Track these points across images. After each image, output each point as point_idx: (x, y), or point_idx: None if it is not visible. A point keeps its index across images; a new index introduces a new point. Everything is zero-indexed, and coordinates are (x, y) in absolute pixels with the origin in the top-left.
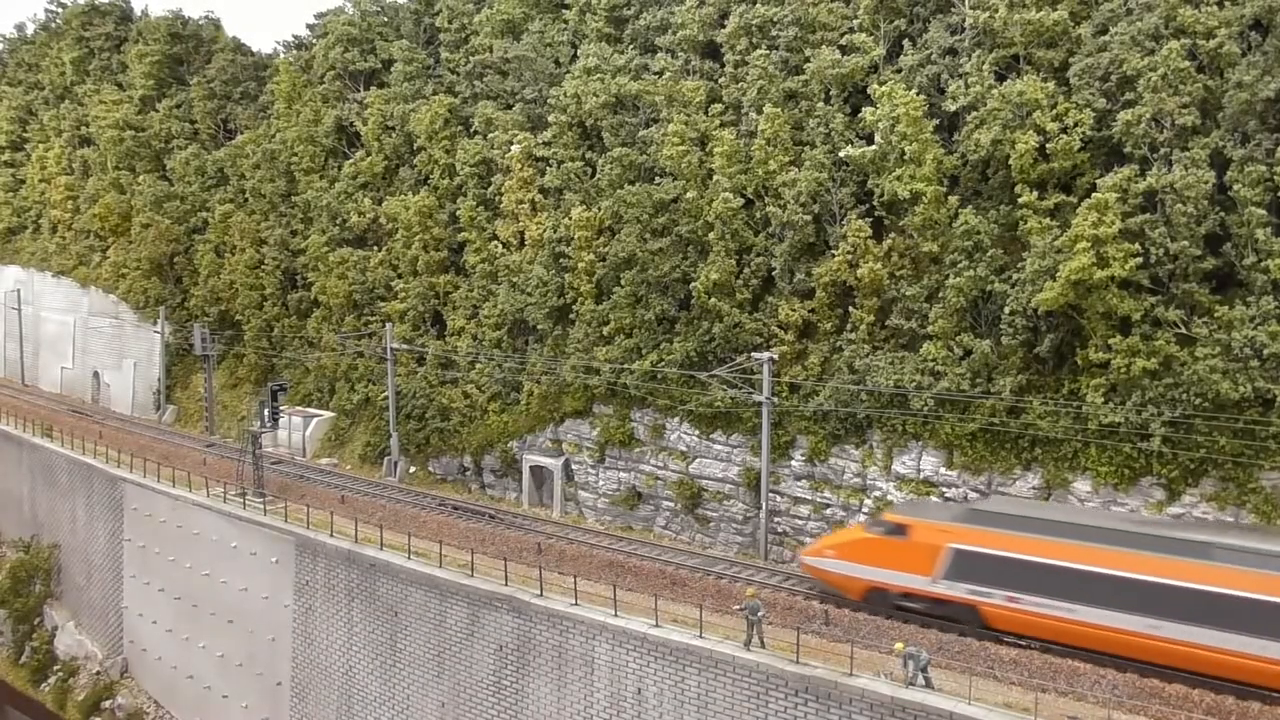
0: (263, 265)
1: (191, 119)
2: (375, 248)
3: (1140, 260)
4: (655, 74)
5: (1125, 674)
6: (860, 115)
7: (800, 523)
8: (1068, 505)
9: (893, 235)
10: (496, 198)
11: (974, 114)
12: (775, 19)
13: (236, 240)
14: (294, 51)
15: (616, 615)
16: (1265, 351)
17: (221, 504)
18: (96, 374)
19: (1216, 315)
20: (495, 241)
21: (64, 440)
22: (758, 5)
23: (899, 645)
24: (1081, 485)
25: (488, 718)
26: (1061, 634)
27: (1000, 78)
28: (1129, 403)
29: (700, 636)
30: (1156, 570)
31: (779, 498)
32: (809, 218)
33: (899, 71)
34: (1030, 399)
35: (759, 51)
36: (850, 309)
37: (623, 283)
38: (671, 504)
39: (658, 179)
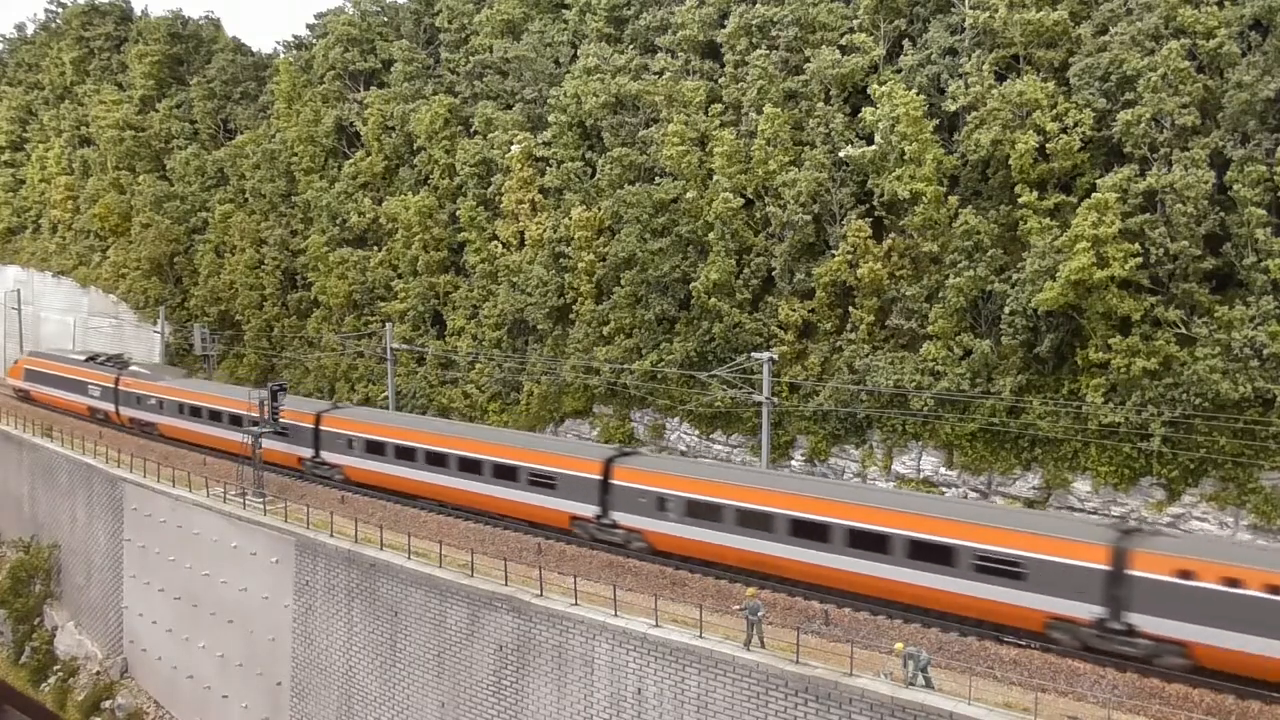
0: (263, 265)
1: (191, 119)
2: (375, 248)
3: (1140, 260)
4: (655, 74)
5: (1125, 674)
6: (860, 115)
7: None
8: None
9: (893, 235)
10: (496, 198)
11: (974, 114)
12: (775, 19)
13: (236, 240)
14: (294, 51)
15: (616, 615)
16: (1265, 351)
17: (221, 504)
18: None
19: (1216, 315)
20: (495, 241)
21: (64, 440)
22: (758, 5)
23: (899, 645)
24: (1081, 485)
25: (488, 718)
26: (64, 406)
27: (1000, 78)
28: (1129, 403)
29: (700, 636)
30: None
31: None
32: (809, 218)
33: (899, 71)
34: (1030, 399)
35: (759, 51)
36: (850, 309)
37: (623, 283)
38: None
39: (658, 179)
